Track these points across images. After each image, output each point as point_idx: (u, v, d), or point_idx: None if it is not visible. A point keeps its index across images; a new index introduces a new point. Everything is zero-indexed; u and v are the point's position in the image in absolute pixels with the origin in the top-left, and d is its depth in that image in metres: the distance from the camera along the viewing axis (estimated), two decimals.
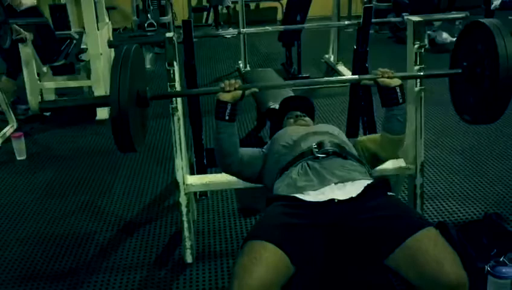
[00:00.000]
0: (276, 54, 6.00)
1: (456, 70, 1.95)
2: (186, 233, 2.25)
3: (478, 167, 3.05)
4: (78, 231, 2.61)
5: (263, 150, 1.99)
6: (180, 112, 2.18)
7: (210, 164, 2.96)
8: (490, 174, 2.96)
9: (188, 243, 2.26)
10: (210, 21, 8.54)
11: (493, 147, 3.31)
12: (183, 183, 2.22)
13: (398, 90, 1.81)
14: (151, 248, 2.42)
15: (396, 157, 2.18)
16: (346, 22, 3.78)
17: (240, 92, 1.81)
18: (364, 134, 2.98)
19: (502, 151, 3.26)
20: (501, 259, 1.98)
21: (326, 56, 5.49)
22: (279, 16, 8.92)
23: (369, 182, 1.63)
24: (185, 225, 2.24)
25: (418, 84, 2.21)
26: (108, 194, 2.98)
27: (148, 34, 5.90)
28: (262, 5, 8.73)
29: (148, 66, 5.92)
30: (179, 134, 2.19)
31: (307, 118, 2.16)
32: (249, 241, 1.49)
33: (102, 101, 1.81)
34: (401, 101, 1.83)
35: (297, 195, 1.60)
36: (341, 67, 5.09)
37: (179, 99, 2.18)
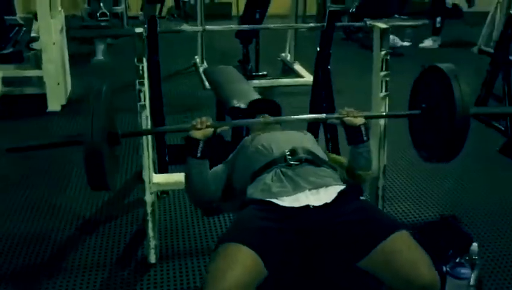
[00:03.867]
0: (233, 51, 5.97)
1: (415, 111, 2.03)
2: (150, 233, 2.21)
3: (432, 171, 3.17)
4: (31, 229, 2.51)
5: (227, 160, 1.99)
6: (148, 110, 2.14)
7: (172, 161, 2.93)
8: (443, 176, 3.09)
9: (152, 243, 2.23)
10: (164, 13, 8.39)
11: None
12: (150, 182, 2.18)
13: (362, 129, 1.88)
14: (112, 248, 2.36)
15: None
16: (311, 24, 3.82)
17: (211, 129, 1.82)
18: (325, 135, 3.02)
19: None
20: (457, 260, 2.08)
21: (283, 55, 5.54)
22: (234, 11, 8.90)
23: (342, 187, 1.66)
24: (150, 224, 2.21)
25: (384, 90, 2.27)
26: (64, 189, 2.88)
27: (102, 24, 5.72)
28: None
29: (100, 57, 5.76)
30: None
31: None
32: (224, 244, 1.48)
33: (75, 141, 1.80)
34: (365, 139, 1.88)
35: (273, 200, 1.61)
36: (297, 67, 5.15)
37: (147, 95, 2.14)
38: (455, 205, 2.78)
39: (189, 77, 5.19)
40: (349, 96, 4.04)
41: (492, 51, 4.11)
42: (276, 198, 1.61)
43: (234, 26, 3.99)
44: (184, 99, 4.43)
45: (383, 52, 2.23)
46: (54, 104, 4.08)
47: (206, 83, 4.57)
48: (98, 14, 6.12)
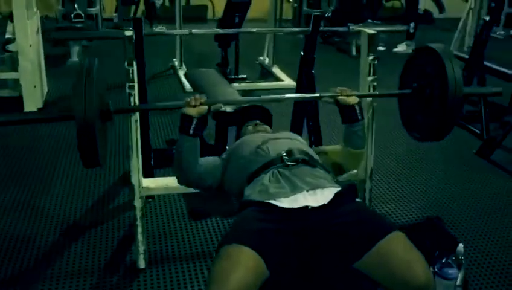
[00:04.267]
0: (210, 54, 5.96)
1: (406, 90, 2.07)
2: (140, 237, 2.19)
3: (415, 173, 3.24)
4: (14, 233, 2.45)
5: (223, 157, 2.00)
6: (138, 113, 2.12)
7: (157, 165, 2.91)
8: (424, 179, 3.15)
9: (141, 248, 2.20)
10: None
11: (426, 154, 3.52)
12: (139, 186, 2.16)
13: (357, 107, 1.92)
14: (100, 253, 2.33)
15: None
16: (297, 29, 3.86)
17: (206, 107, 1.81)
18: (310, 138, 3.05)
19: (435, 158, 3.48)
20: (443, 260, 2.14)
21: (261, 58, 5.56)
22: (210, 14, 8.90)
23: (338, 189, 1.69)
24: (139, 229, 2.19)
25: (371, 91, 2.30)
26: (47, 193, 2.83)
27: (77, 25, 5.63)
28: (193, 2, 8.65)
29: (75, 59, 5.67)
30: (136, 135, 2.13)
31: (266, 126, 2.20)
32: (226, 245, 1.49)
33: (67, 116, 1.75)
34: (360, 118, 1.93)
35: (271, 201, 1.62)
36: (276, 70, 5.18)
37: (136, 99, 2.12)
38: (436, 206, 2.84)
39: (168, 79, 5.15)
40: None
41: (466, 56, 4.20)
42: (274, 199, 1.63)
43: (221, 31, 4.01)
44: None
45: (370, 58, 2.27)
46: (31, 106, 3.99)
47: (187, 86, 4.57)
48: (72, 16, 6.02)
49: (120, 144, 3.33)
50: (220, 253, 1.48)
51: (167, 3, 8.53)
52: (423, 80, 2.00)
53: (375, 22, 7.47)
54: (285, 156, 1.77)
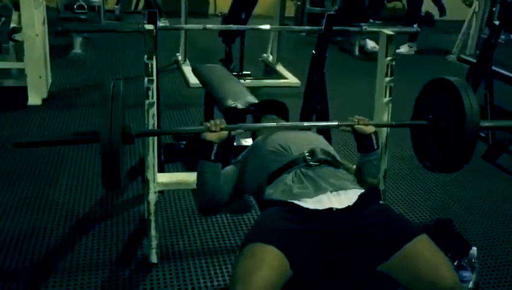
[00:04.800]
0: (214, 49, 5.94)
1: (422, 121, 2.06)
2: (153, 232, 2.18)
3: (422, 175, 3.23)
4: (22, 227, 2.42)
5: (237, 159, 1.99)
6: (155, 108, 2.11)
7: (167, 160, 2.89)
8: (433, 181, 3.16)
9: (154, 243, 2.19)
10: (140, 8, 8.28)
11: None
12: (154, 181, 2.15)
13: (373, 137, 1.91)
14: (111, 247, 2.31)
15: None
16: (308, 27, 3.84)
17: (226, 132, 1.79)
18: None
19: None
20: (455, 263, 2.15)
21: (265, 55, 5.54)
22: (211, 9, 8.88)
23: (361, 191, 1.68)
24: (152, 224, 2.17)
25: (388, 95, 2.31)
26: (54, 187, 2.80)
27: (81, 16, 5.58)
28: None
29: (78, 50, 5.63)
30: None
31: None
32: (251, 244, 1.49)
33: (91, 139, 1.74)
34: (375, 147, 1.92)
35: (295, 201, 1.61)
36: (280, 68, 5.16)
37: (155, 93, 2.11)
38: (445, 209, 2.85)
39: (172, 74, 5.13)
40: (338, 102, 4.06)
41: (472, 59, 4.22)
42: (298, 200, 1.62)
43: (234, 27, 4.02)
44: (169, 98, 4.37)
45: (388, 58, 2.27)
46: (35, 97, 3.96)
47: (191, 81, 4.53)
48: (75, 7, 5.97)
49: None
50: (245, 251, 1.48)
51: None
52: (439, 111, 1.99)
53: (376, 22, 7.50)
54: (308, 156, 1.76)
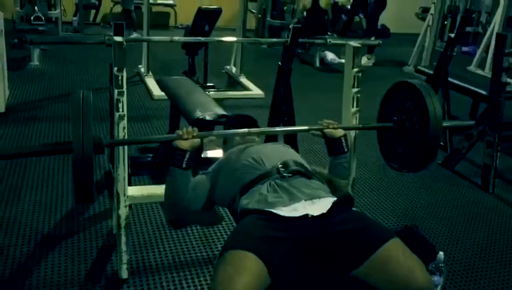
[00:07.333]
0: (175, 61, 5.94)
1: (388, 123, 2.11)
2: (123, 247, 2.14)
3: (389, 184, 3.32)
4: None
5: (209, 171, 1.99)
6: (125, 121, 2.08)
7: (134, 172, 2.85)
8: (399, 190, 3.25)
9: (125, 258, 2.15)
10: (98, 20, 8.17)
11: None
12: (124, 194, 2.12)
13: (343, 140, 1.98)
14: (79, 264, 2.25)
15: None
16: (274, 39, 3.89)
17: (198, 140, 1.79)
18: None
19: None
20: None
21: (228, 67, 5.57)
22: (172, 21, 8.85)
23: (334, 199, 1.72)
24: (123, 238, 2.13)
25: (355, 105, 2.36)
26: (17, 202, 2.71)
27: (39, 28, 5.46)
28: (155, 9, 8.57)
29: (36, 62, 5.49)
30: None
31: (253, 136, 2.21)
32: (230, 251, 1.49)
33: (64, 149, 1.69)
34: (346, 150, 1.98)
35: (271, 209, 1.63)
36: (243, 79, 5.20)
37: (125, 106, 2.09)
38: (410, 215, 2.93)
39: (135, 87, 5.07)
40: (304, 112, 4.11)
41: (429, 70, 4.37)
42: (273, 208, 1.64)
43: (203, 39, 4.04)
44: (133, 111, 4.32)
45: (355, 70, 2.33)
46: None
47: (155, 93, 4.51)
48: (32, 18, 5.84)
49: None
50: (224, 257, 1.48)
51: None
52: (403, 113, 2.05)
53: (333, 34, 7.68)
54: (281, 167, 1.78)
